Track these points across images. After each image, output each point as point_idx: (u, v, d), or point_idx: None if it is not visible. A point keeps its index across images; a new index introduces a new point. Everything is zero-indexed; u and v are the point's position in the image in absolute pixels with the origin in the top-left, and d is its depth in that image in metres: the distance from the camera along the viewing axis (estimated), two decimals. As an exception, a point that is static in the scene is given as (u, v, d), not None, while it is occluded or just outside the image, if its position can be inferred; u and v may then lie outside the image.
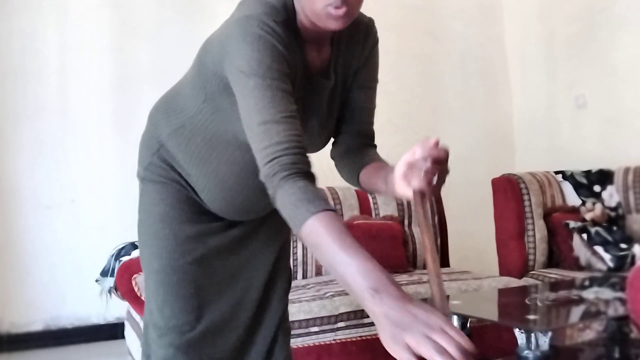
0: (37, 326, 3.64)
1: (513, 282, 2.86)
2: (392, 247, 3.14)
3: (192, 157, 1.36)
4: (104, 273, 2.80)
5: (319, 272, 3.10)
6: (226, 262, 1.44)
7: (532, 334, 1.76)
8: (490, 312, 2.32)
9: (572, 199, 3.38)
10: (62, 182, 3.70)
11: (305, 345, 2.43)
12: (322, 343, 2.46)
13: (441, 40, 4.49)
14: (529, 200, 3.28)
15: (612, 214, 3.28)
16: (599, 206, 3.28)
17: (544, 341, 1.76)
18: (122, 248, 2.75)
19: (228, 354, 1.44)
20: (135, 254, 2.64)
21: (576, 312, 2.15)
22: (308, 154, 1.12)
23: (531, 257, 3.25)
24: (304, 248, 3.09)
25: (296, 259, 3.06)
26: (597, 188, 3.40)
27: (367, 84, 1.39)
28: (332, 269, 0.96)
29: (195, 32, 3.79)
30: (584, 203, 3.33)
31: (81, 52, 3.78)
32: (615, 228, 3.14)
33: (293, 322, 2.39)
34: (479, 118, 4.55)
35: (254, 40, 1.12)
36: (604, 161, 3.59)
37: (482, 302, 2.39)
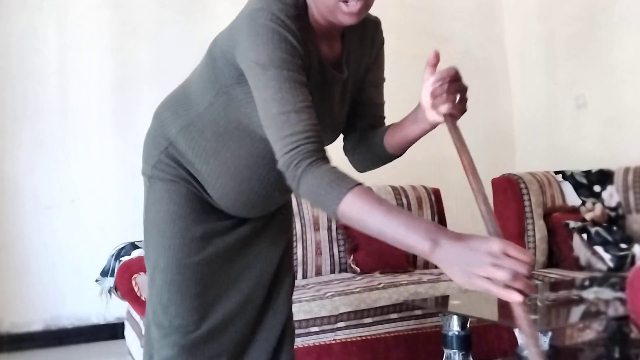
0: (37, 326, 3.64)
1: (513, 282, 2.85)
2: (392, 247, 3.12)
3: (203, 152, 1.36)
4: (104, 273, 2.80)
5: (319, 272, 3.11)
6: (233, 261, 1.44)
7: (532, 334, 1.76)
8: (490, 312, 2.32)
9: (572, 199, 3.38)
10: (62, 182, 3.70)
11: (305, 345, 2.43)
12: (322, 343, 2.46)
13: (441, 40, 4.49)
14: (529, 200, 3.28)
15: (612, 214, 3.28)
16: (599, 206, 3.28)
17: (544, 341, 1.76)
18: (122, 248, 2.75)
19: (232, 354, 1.44)
20: (135, 254, 2.64)
21: (576, 312, 2.15)
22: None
23: (531, 257, 3.25)
24: (304, 248, 3.09)
25: (296, 259, 3.06)
26: (597, 188, 3.40)
27: (378, 82, 1.46)
28: (382, 235, 1.01)
29: (195, 32, 3.80)
30: (584, 203, 3.33)
31: (81, 52, 3.78)
32: (615, 228, 3.14)
33: (293, 322, 2.39)
34: (479, 118, 4.54)
35: (267, 33, 1.14)
36: (604, 161, 3.59)
37: (482, 302, 2.39)
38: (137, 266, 2.43)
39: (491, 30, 4.66)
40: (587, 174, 3.46)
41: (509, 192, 3.31)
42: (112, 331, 3.59)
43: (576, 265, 3.09)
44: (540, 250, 3.26)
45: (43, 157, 3.69)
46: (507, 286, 0.88)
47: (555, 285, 2.68)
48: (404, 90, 4.36)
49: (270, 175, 1.33)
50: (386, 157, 1.42)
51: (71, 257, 3.67)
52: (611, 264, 2.97)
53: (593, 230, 3.09)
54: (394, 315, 2.59)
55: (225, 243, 1.42)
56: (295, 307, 2.42)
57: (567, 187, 3.41)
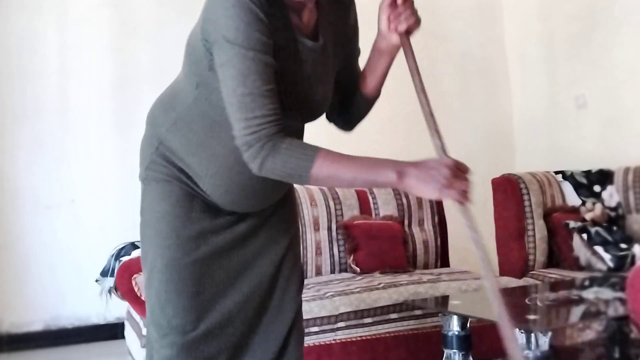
0: (37, 326, 3.64)
1: (513, 282, 2.86)
2: (392, 247, 3.14)
3: (191, 145, 1.36)
4: (104, 273, 2.80)
5: (319, 272, 3.11)
6: (230, 260, 1.43)
7: (532, 334, 1.76)
8: (490, 312, 2.31)
9: (572, 199, 3.38)
10: (62, 182, 3.70)
11: (305, 345, 2.41)
12: (322, 343, 2.46)
13: (441, 40, 4.49)
14: (529, 200, 3.28)
15: (612, 214, 3.28)
16: (599, 206, 3.28)
17: (544, 341, 1.76)
18: (122, 248, 2.75)
19: (233, 354, 1.43)
20: (135, 254, 2.64)
21: (576, 312, 2.15)
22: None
23: (531, 257, 3.25)
24: (304, 248, 3.08)
25: (296, 259, 3.06)
26: (597, 188, 3.40)
27: (357, 53, 1.52)
28: (355, 181, 1.20)
29: (195, 32, 3.80)
30: (584, 203, 3.33)
31: (81, 52, 3.78)
32: (615, 228, 3.14)
33: (293, 322, 2.39)
34: (479, 118, 4.55)
35: (237, 6, 1.16)
36: (604, 161, 3.59)
37: (482, 302, 2.39)
38: (137, 266, 2.43)
39: (491, 30, 4.66)
40: (587, 174, 3.46)
41: (509, 192, 3.31)
42: (112, 331, 3.58)
43: (576, 265, 3.09)
44: (540, 250, 3.26)
45: (43, 157, 3.69)
46: (464, 192, 1.14)
47: (555, 285, 2.68)
48: (404, 91, 4.39)
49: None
50: (369, 103, 1.48)
51: (71, 257, 3.67)
52: (611, 264, 2.97)
53: (593, 230, 3.09)
54: (394, 315, 2.59)
55: (221, 241, 1.41)
56: (296, 307, 2.43)
57: (567, 187, 3.41)
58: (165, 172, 1.40)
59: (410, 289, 2.65)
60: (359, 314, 2.52)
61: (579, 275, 2.88)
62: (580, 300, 2.23)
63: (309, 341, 2.44)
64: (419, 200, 3.44)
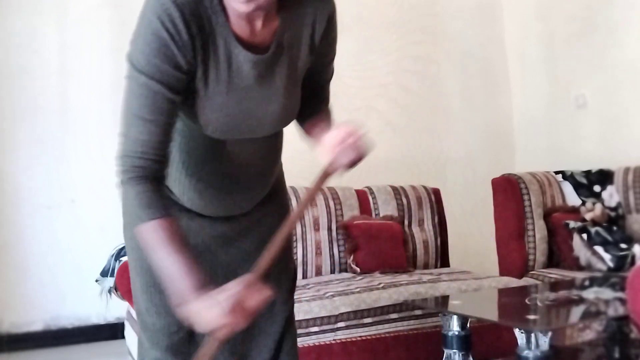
0: (37, 326, 3.63)
1: (513, 282, 2.86)
2: (392, 247, 3.14)
3: None
4: (104, 273, 2.81)
5: (319, 272, 3.11)
6: (214, 261, 1.41)
7: (532, 334, 1.76)
8: (490, 312, 2.32)
9: (572, 199, 3.38)
10: (62, 182, 3.70)
11: (305, 345, 2.42)
12: (322, 343, 2.46)
13: (441, 40, 4.49)
14: (529, 200, 3.28)
15: (612, 214, 3.28)
16: (599, 206, 3.28)
17: (544, 341, 1.76)
18: (122, 248, 2.75)
19: (223, 357, 1.41)
20: (135, 254, 2.64)
21: (576, 312, 2.15)
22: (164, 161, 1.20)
23: (531, 257, 3.25)
24: (304, 248, 3.09)
25: (296, 259, 3.05)
26: (597, 188, 3.40)
27: (327, 61, 1.39)
28: (158, 270, 1.18)
29: (195, 32, 3.80)
30: (584, 203, 3.33)
31: (81, 52, 3.78)
32: (615, 228, 3.14)
33: (293, 322, 2.39)
34: (479, 118, 4.55)
35: (149, 31, 1.12)
36: (604, 161, 3.59)
37: (482, 302, 2.39)
38: (137, 266, 2.43)
39: (491, 30, 4.66)
40: (587, 174, 3.46)
41: (509, 192, 3.31)
42: (112, 331, 3.59)
43: (576, 265, 3.09)
44: (540, 250, 3.26)
45: (43, 157, 3.69)
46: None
47: (555, 285, 2.68)
48: (404, 91, 4.40)
49: (220, 170, 1.32)
50: (302, 131, 1.43)
51: (71, 257, 3.67)
52: (611, 264, 2.97)
53: (593, 230, 3.09)
54: (394, 315, 2.58)
55: (201, 243, 1.39)
56: (295, 307, 2.42)
57: (567, 187, 3.41)
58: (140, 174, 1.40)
59: (410, 289, 2.65)
60: (359, 314, 2.52)
61: (579, 275, 2.88)
62: (580, 300, 2.23)
63: (309, 341, 2.44)
64: (419, 201, 3.44)
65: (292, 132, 1.45)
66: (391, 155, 4.17)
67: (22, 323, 3.61)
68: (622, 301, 2.03)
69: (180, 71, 1.15)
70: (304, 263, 3.08)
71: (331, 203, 3.22)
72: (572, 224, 3.16)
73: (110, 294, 2.75)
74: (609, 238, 3.06)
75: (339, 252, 3.16)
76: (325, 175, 1.28)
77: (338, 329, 2.49)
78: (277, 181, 1.51)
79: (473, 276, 2.91)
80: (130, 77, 1.15)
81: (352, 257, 3.10)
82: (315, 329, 2.45)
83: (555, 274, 3.07)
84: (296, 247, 3.06)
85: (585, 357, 2.21)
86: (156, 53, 1.12)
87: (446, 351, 2.10)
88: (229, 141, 1.31)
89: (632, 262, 2.93)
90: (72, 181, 3.72)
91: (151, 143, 1.16)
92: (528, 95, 4.51)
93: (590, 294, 2.38)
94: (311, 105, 1.40)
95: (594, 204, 3.31)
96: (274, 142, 1.42)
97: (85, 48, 3.78)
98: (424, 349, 2.58)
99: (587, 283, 2.64)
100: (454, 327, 2.07)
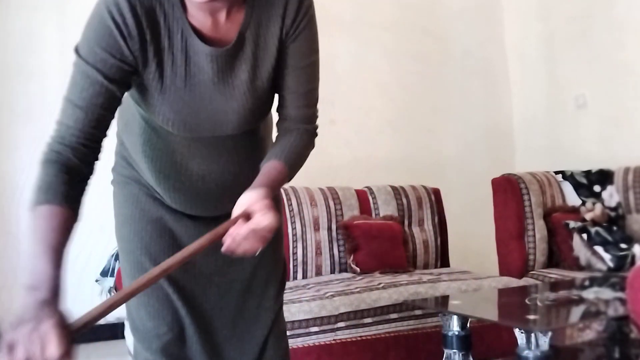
0: (37, 326, 3.63)
1: (513, 282, 2.86)
2: (392, 247, 3.14)
3: (134, 147, 1.37)
4: (104, 273, 2.81)
5: (319, 272, 3.11)
6: (201, 262, 1.38)
7: (532, 334, 1.76)
8: (490, 312, 2.32)
9: (572, 199, 3.38)
10: (62, 182, 3.70)
11: (305, 345, 2.43)
12: (322, 343, 2.46)
13: (441, 39, 4.49)
14: (529, 200, 3.28)
15: (612, 214, 3.28)
16: (599, 206, 3.28)
17: (544, 341, 1.75)
18: (122, 248, 2.75)
19: (210, 358, 1.40)
20: (135, 254, 2.64)
21: (576, 312, 2.15)
22: (89, 147, 1.15)
23: (531, 257, 3.25)
24: (304, 248, 3.09)
25: (296, 259, 3.06)
26: (597, 188, 3.40)
27: (298, 65, 1.23)
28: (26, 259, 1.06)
29: (195, 32, 3.80)
30: (584, 203, 3.33)
31: (81, 52, 3.78)
32: (615, 228, 3.14)
33: (293, 322, 2.39)
34: (479, 118, 4.55)
35: (96, 18, 1.13)
36: (604, 161, 3.59)
37: (482, 302, 2.39)
38: (137, 266, 2.43)
39: (491, 30, 4.66)
40: (587, 174, 3.46)
41: (509, 192, 3.31)
42: (112, 331, 3.58)
43: (576, 265, 3.10)
44: (540, 250, 3.26)
45: (43, 157, 3.69)
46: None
47: (555, 285, 2.68)
48: (404, 90, 4.40)
49: (196, 168, 1.30)
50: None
51: (71, 257, 3.66)
52: (611, 264, 2.97)
53: (593, 230, 3.09)
54: (394, 315, 2.59)
55: (186, 241, 1.37)
56: (295, 307, 2.43)
57: (567, 187, 3.41)
58: (125, 174, 1.42)
59: (410, 289, 2.65)
60: (359, 314, 2.52)
61: (579, 275, 2.88)
62: (580, 300, 2.22)
63: (309, 341, 2.44)
64: (419, 201, 3.44)
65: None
66: (391, 155, 4.17)
67: (22, 323, 3.61)
68: (622, 301, 2.03)
69: (124, 62, 1.13)
70: (304, 263, 3.08)
71: (331, 203, 3.22)
72: (572, 224, 3.16)
73: (110, 294, 2.75)
74: (609, 238, 3.06)
75: (339, 252, 3.16)
76: (220, 234, 1.11)
77: (338, 329, 2.49)
78: None
79: (473, 276, 2.91)
80: (73, 63, 1.14)
81: (352, 257, 3.10)
82: (315, 329, 2.45)
83: (555, 274, 3.07)
84: (296, 247, 3.06)
85: (585, 357, 2.21)
86: (100, 41, 1.11)
87: (446, 351, 2.10)
88: (200, 140, 1.27)
89: (632, 262, 2.94)
90: (72, 181, 3.72)
91: (76, 131, 1.13)
92: (528, 95, 4.51)
93: (590, 294, 2.38)
94: (281, 133, 1.27)
95: (594, 204, 3.31)
96: (252, 143, 1.35)
97: (85, 48, 3.78)
98: (424, 349, 2.58)
99: (587, 283, 2.64)
100: (454, 327, 2.07)
